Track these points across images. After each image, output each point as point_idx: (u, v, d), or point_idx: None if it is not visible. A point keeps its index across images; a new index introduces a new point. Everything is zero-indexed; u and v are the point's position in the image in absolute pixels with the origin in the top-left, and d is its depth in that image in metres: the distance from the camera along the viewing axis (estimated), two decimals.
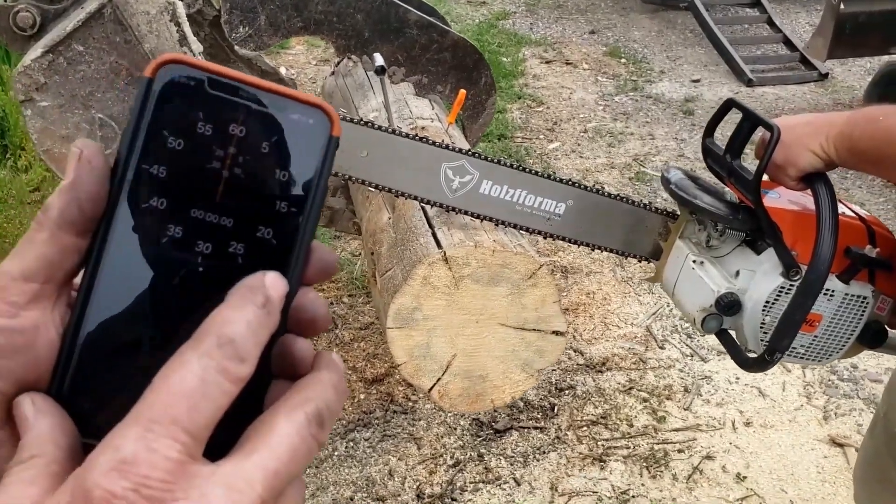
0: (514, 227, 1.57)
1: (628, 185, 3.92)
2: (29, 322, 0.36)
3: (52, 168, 2.23)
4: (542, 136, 4.48)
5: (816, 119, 1.19)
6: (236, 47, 2.42)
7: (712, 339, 1.73)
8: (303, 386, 0.37)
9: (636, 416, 2.47)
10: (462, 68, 2.38)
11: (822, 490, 2.25)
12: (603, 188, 1.64)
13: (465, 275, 1.58)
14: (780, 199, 1.30)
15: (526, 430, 2.41)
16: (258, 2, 2.16)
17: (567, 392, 2.56)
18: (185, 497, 0.31)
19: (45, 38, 2.04)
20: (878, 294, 1.31)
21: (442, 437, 2.36)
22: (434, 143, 1.54)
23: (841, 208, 1.30)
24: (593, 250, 1.71)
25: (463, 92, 2.01)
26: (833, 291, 1.27)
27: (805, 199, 1.27)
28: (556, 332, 1.69)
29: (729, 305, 1.31)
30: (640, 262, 1.64)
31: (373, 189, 1.67)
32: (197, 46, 2.02)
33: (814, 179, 1.21)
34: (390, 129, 1.55)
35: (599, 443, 2.37)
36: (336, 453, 2.29)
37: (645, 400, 2.54)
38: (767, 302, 1.29)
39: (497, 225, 1.60)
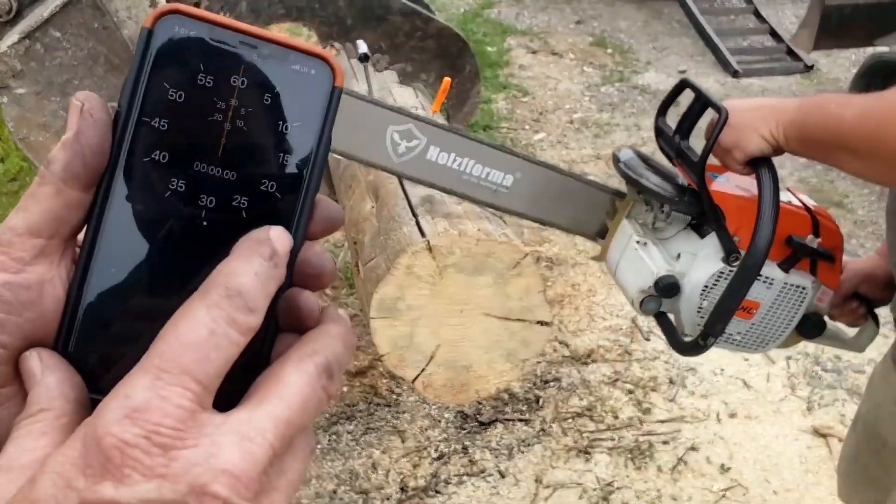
0: (460, 196, 1.54)
1: (615, 177, 3.91)
2: (35, 277, 0.36)
3: (29, 157, 2.19)
4: (527, 127, 4.47)
5: (767, 103, 1.18)
6: None
7: None
8: (311, 339, 0.37)
9: (621, 408, 2.47)
10: (446, 56, 2.35)
11: (804, 480, 2.25)
12: (551, 162, 1.61)
13: (449, 264, 1.57)
14: (728, 184, 1.28)
15: (511, 423, 2.40)
16: None
17: (552, 384, 2.55)
18: (196, 444, 0.31)
19: (22, 24, 2.00)
20: (819, 285, 1.30)
21: (426, 429, 2.35)
22: (381, 105, 1.50)
23: (788, 197, 1.29)
24: (543, 227, 1.68)
25: (447, 80, 1.98)
26: (772, 280, 1.25)
27: (753, 186, 1.24)
28: (540, 322, 1.67)
29: (668, 288, 1.29)
30: (587, 240, 1.61)
31: None
32: None
33: (759, 164, 1.19)
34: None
35: (584, 435, 2.36)
36: (319, 447, 2.27)
37: (630, 392, 2.53)
38: (706, 286, 1.27)
39: (444, 193, 1.55)
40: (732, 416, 2.47)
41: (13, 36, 1.94)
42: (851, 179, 3.97)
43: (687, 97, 1.34)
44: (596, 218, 1.54)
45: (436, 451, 2.28)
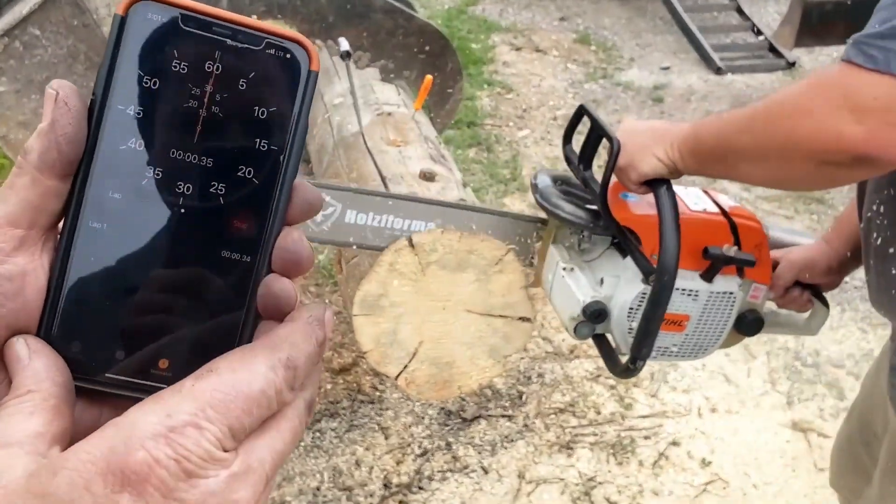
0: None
1: (598, 173, 3.92)
2: (17, 268, 0.36)
3: (9, 155, 2.18)
4: (511, 124, 4.47)
5: (662, 126, 1.21)
6: None
7: None
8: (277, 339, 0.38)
9: (603, 404, 2.48)
10: (428, 54, 2.36)
11: (784, 474, 2.28)
12: (466, 201, 1.64)
13: (432, 261, 1.57)
14: (641, 204, 1.29)
15: (494, 419, 2.41)
16: None
17: (535, 380, 2.56)
18: (216, 475, 0.33)
19: (0, 22, 1.98)
20: (749, 283, 1.31)
21: (410, 426, 2.36)
22: None
23: (703, 205, 1.31)
24: None
25: (429, 78, 1.99)
26: (697, 292, 1.27)
27: None
28: (522, 318, 1.68)
29: (595, 314, 1.31)
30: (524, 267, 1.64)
31: None
32: None
33: (655, 184, 1.21)
34: None
35: (567, 430, 2.37)
36: (302, 444, 2.27)
37: (612, 387, 2.55)
38: (631, 308, 1.29)
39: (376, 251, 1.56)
40: (713, 410, 2.49)
41: None
42: None
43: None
44: (525, 247, 1.57)
45: (419, 447, 2.28)
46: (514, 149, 4.15)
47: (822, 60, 5.55)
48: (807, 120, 0.96)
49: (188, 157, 0.37)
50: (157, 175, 0.37)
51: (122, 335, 0.36)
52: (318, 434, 2.30)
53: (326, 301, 2.84)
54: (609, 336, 1.38)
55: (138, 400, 0.34)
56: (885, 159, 0.92)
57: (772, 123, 1.01)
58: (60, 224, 0.38)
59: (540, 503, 2.15)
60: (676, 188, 1.25)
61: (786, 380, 2.63)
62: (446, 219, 1.54)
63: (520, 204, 3.53)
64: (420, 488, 2.16)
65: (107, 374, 0.38)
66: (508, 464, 2.25)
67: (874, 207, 1.13)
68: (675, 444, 2.35)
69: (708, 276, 1.27)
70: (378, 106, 2.08)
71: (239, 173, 0.38)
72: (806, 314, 1.45)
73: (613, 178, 1.26)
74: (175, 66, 0.37)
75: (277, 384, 0.35)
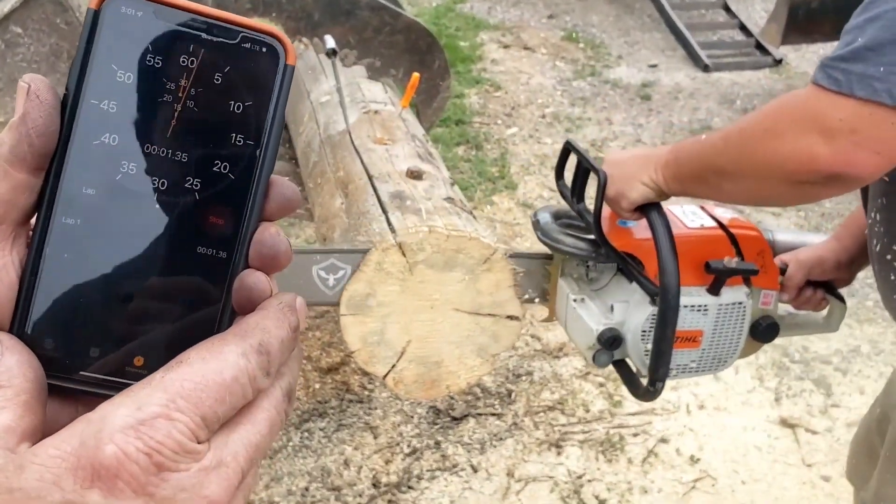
0: None
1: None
2: None
3: None
4: (500, 122, 4.47)
5: (645, 153, 1.25)
6: None
7: None
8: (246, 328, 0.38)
9: (592, 401, 2.48)
10: (415, 51, 2.35)
11: (772, 470, 2.29)
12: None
13: (420, 260, 1.56)
14: (638, 229, 1.32)
15: (483, 417, 2.40)
16: None
17: (524, 378, 2.56)
18: (187, 469, 0.33)
19: None
20: (758, 291, 1.33)
21: (398, 425, 2.35)
22: (299, 251, 1.51)
23: (700, 221, 1.34)
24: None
25: (416, 75, 1.98)
26: (705, 306, 1.30)
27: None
28: (511, 317, 1.68)
29: (610, 341, 1.33)
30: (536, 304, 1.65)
31: None
32: None
33: (646, 209, 1.24)
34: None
35: (556, 428, 2.37)
36: (291, 444, 2.26)
37: (601, 385, 2.55)
38: (644, 331, 1.31)
39: None
40: (702, 407, 2.49)
41: None
42: None
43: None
44: (535, 284, 1.59)
45: (408, 446, 2.28)
46: (503, 147, 4.14)
47: (808, 58, 5.58)
48: (778, 142, 1.00)
49: (163, 151, 0.37)
50: (132, 170, 0.36)
51: (96, 332, 0.36)
52: (306, 434, 2.29)
53: None
54: (629, 360, 1.39)
55: None
56: (855, 177, 0.96)
57: (746, 145, 1.05)
58: (33, 220, 0.37)
59: (529, 501, 2.15)
60: (672, 207, 1.29)
61: (773, 376, 2.64)
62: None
63: (508, 202, 3.53)
64: (409, 487, 2.15)
65: (81, 372, 0.37)
66: (497, 462, 2.25)
67: (872, 215, 1.16)
68: (663, 441, 2.35)
69: (714, 290, 1.29)
70: (365, 104, 2.07)
71: (214, 168, 0.37)
72: (823, 312, 1.47)
73: (607, 208, 1.29)
74: (149, 61, 0.36)
75: (250, 370, 0.35)
